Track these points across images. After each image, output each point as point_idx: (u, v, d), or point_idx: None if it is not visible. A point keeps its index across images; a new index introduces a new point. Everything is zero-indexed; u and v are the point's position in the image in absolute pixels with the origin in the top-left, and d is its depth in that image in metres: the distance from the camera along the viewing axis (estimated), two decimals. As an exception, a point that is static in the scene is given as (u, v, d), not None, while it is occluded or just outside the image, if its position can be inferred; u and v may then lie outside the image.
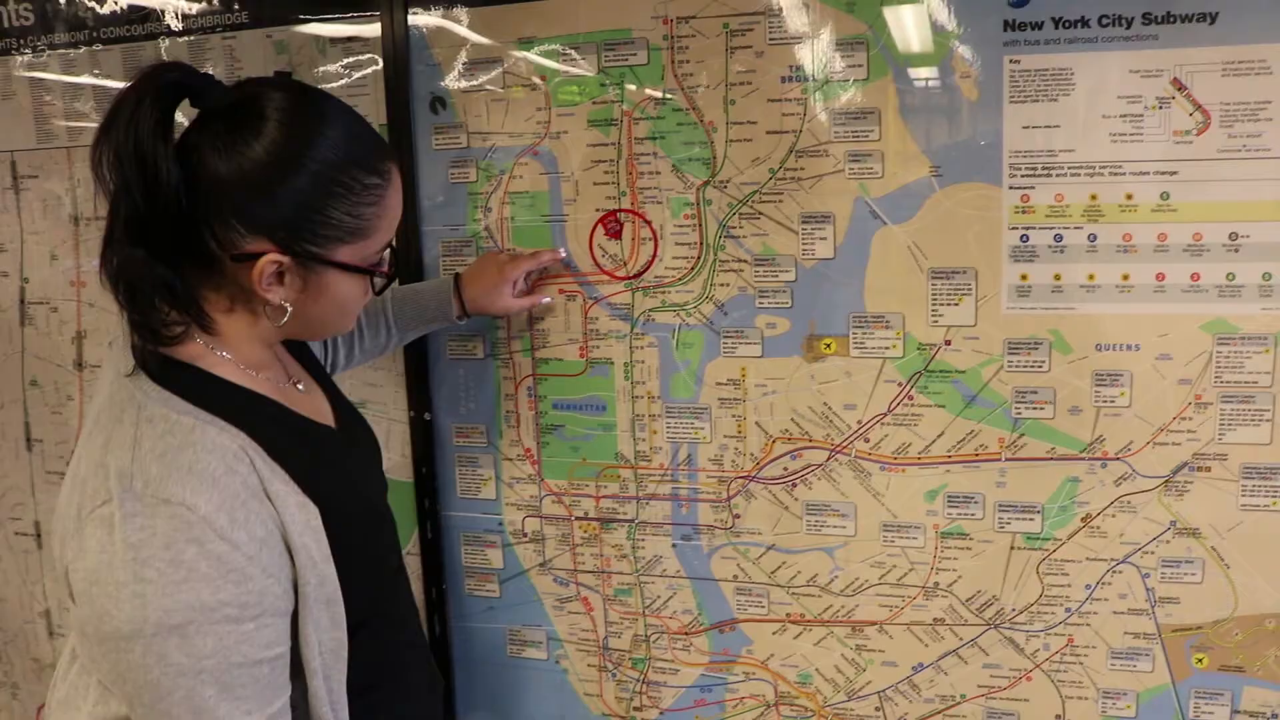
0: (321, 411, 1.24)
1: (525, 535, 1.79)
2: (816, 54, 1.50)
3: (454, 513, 1.83)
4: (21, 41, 1.95)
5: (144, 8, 1.84)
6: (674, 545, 1.71)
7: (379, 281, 1.15)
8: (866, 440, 1.58)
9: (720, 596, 1.70)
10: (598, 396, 1.70)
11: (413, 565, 1.85)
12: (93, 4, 1.86)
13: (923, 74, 1.47)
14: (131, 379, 1.06)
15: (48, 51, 1.93)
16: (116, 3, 1.84)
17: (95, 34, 1.88)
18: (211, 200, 1.00)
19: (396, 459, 1.84)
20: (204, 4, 1.80)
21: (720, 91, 1.55)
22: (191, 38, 1.82)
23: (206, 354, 1.08)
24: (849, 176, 1.52)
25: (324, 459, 1.16)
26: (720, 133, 1.56)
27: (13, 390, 2.12)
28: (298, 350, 1.31)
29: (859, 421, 1.58)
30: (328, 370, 1.47)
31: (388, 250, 1.14)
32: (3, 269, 2.08)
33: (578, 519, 1.76)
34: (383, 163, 1.08)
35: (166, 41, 1.83)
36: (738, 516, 1.67)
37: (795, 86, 1.52)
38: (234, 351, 1.10)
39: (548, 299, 1.69)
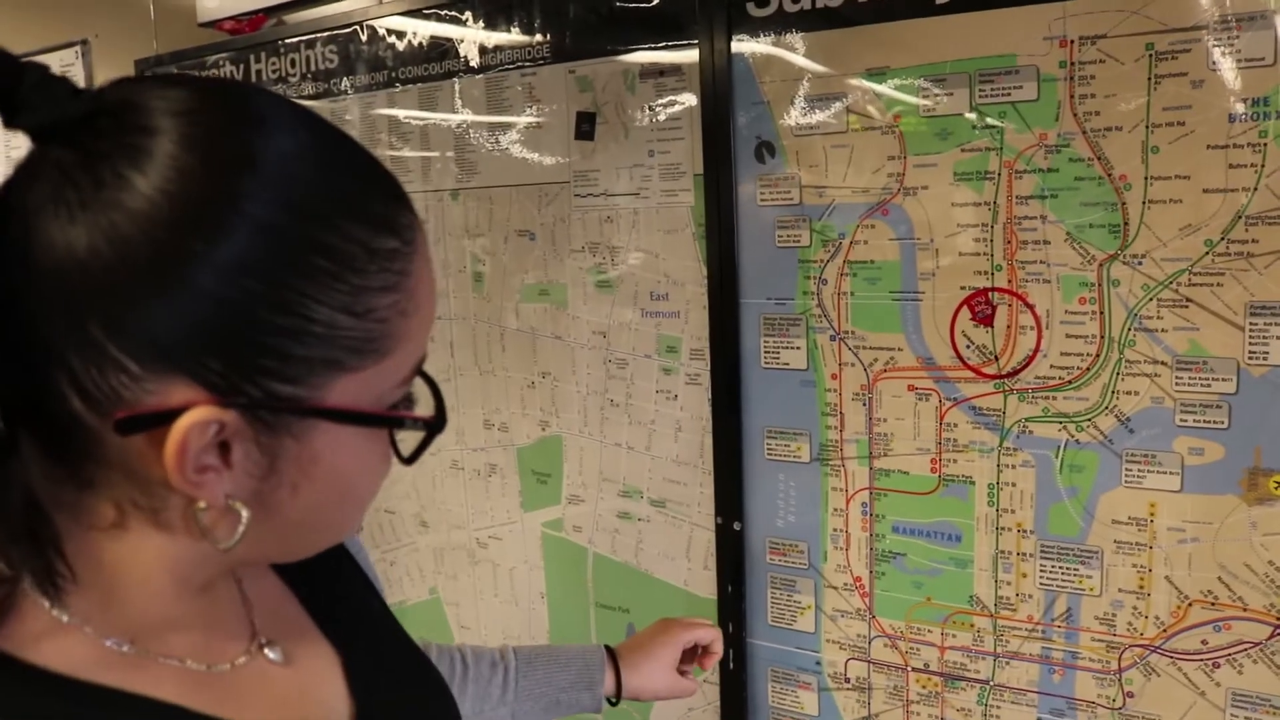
0: (308, 698, 0.69)
1: (848, 681, 1.46)
2: (1285, 83, 1.10)
3: (762, 642, 1.53)
4: (327, 85, 1.86)
5: (443, 42, 1.69)
6: None
7: (409, 441, 0.62)
8: (1330, 617, 1.15)
9: (1102, 796, 1.30)
10: (951, 523, 1.35)
11: (709, 695, 1.59)
12: (393, 40, 1.72)
13: None
14: None
15: (349, 94, 1.82)
16: (415, 37, 1.69)
17: (394, 74, 1.76)
18: (63, 310, 0.50)
19: (698, 571, 1.57)
20: (504, 36, 1.61)
21: (1138, 135, 1.17)
22: (489, 74, 1.64)
23: (30, 612, 0.57)
24: (1325, 254, 1.10)
25: None
26: (1136, 191, 1.18)
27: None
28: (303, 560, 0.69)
29: (1320, 590, 1.15)
30: None
31: (417, 377, 0.62)
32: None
33: (915, 670, 1.40)
34: (400, 211, 0.58)
35: (463, 79, 1.66)
36: (1131, 695, 1.26)
37: (1250, 127, 1.12)
38: (107, 608, 0.58)
39: (694, 685, 1.29)
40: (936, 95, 1.28)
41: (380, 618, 0.81)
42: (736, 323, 1.47)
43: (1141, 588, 1.24)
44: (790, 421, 1.45)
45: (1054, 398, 1.26)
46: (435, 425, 0.62)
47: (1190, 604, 1.22)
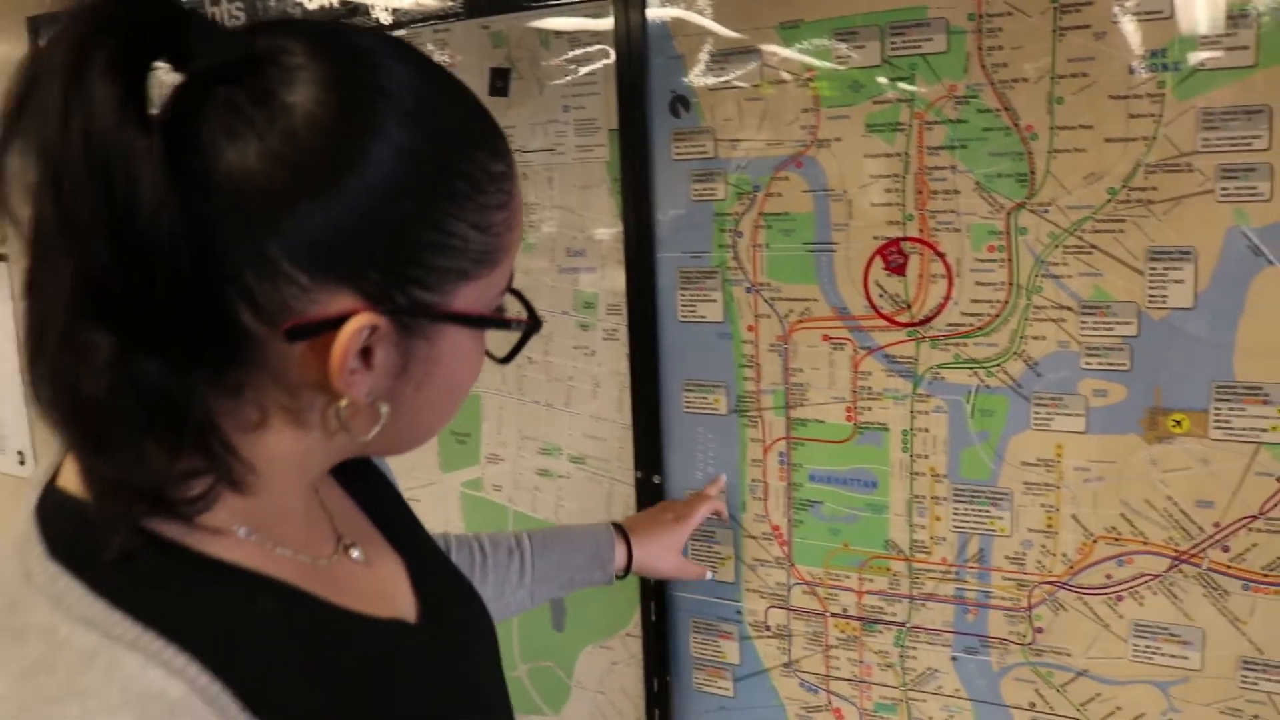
0: (387, 594, 0.75)
1: (768, 629, 1.48)
2: (1181, 33, 1.13)
3: (683, 593, 1.54)
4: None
5: (353, 2, 1.65)
6: (954, 658, 1.36)
7: (508, 340, 0.72)
8: (1225, 549, 1.19)
9: (1013, 729, 1.34)
10: (867, 470, 1.37)
11: (632, 649, 1.60)
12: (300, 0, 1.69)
13: (1336, 61, 1.08)
14: (24, 546, 0.59)
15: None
16: (325, -4, 1.67)
17: (302, 29, 1.71)
18: (244, 232, 0.56)
19: (619, 526, 1.58)
20: (417, -8, 1.59)
21: (1044, 86, 1.20)
22: (403, 32, 1.61)
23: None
24: (1221, 199, 1.14)
25: (379, 688, 0.68)
26: (1041, 141, 1.21)
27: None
28: (354, 473, 0.82)
29: (1216, 524, 1.19)
30: None
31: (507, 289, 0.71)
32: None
33: (834, 616, 1.43)
34: (500, 138, 0.67)
35: (374, 33, 1.64)
36: (1040, 631, 1.30)
37: (1149, 78, 1.15)
38: (238, 500, 0.62)
39: (710, 574, 1.48)
40: (848, 48, 1.30)
41: (418, 527, 0.89)
42: (653, 277, 1.47)
43: (1050, 527, 1.28)
44: (708, 374, 1.46)
45: (965, 344, 1.29)
46: (533, 326, 0.70)
47: (1095, 541, 1.26)
